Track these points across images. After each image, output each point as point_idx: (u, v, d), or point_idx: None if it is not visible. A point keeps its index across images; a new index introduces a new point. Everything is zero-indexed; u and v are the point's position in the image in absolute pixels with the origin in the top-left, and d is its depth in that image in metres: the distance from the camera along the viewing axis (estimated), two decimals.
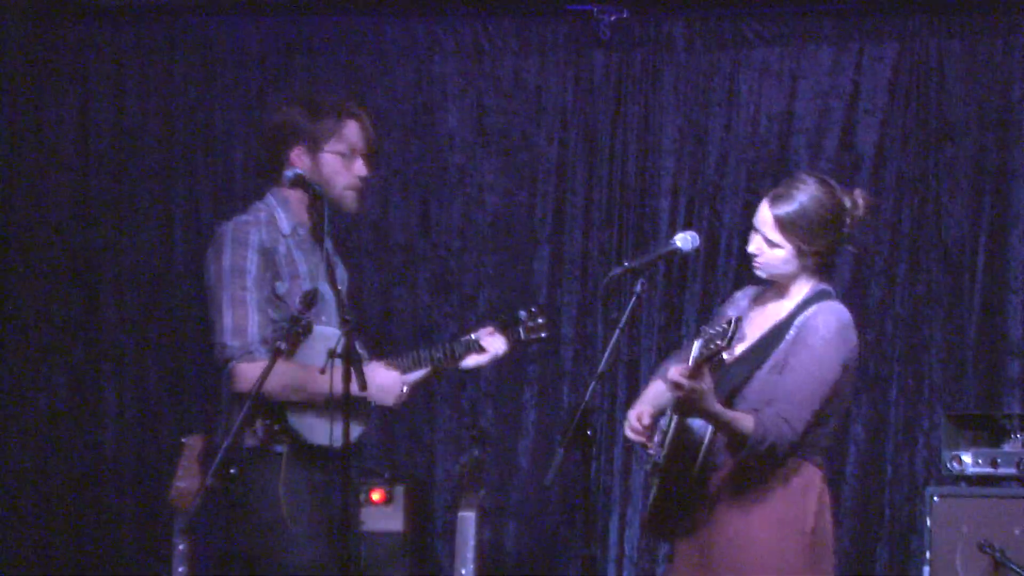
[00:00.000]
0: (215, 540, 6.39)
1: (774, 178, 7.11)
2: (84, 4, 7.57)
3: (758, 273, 4.95)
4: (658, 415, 4.94)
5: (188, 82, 7.61)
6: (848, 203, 4.92)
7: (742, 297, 5.12)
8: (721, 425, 4.71)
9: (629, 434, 4.95)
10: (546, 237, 7.47)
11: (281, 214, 5.17)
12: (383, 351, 5.36)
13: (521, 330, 5.50)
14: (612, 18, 7.36)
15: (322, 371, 4.75)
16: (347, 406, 4.73)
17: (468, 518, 6.52)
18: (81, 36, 7.63)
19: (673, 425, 4.77)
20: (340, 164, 5.20)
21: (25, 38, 7.60)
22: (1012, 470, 6.46)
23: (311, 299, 4.85)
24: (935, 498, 6.39)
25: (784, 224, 4.84)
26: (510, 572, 7.40)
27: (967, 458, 6.50)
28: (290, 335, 4.82)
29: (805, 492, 4.86)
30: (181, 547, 6.01)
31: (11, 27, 7.59)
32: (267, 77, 7.57)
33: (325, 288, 5.07)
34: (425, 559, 7.32)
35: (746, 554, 4.82)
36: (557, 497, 7.31)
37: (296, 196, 5.16)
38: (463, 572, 6.49)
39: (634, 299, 4.80)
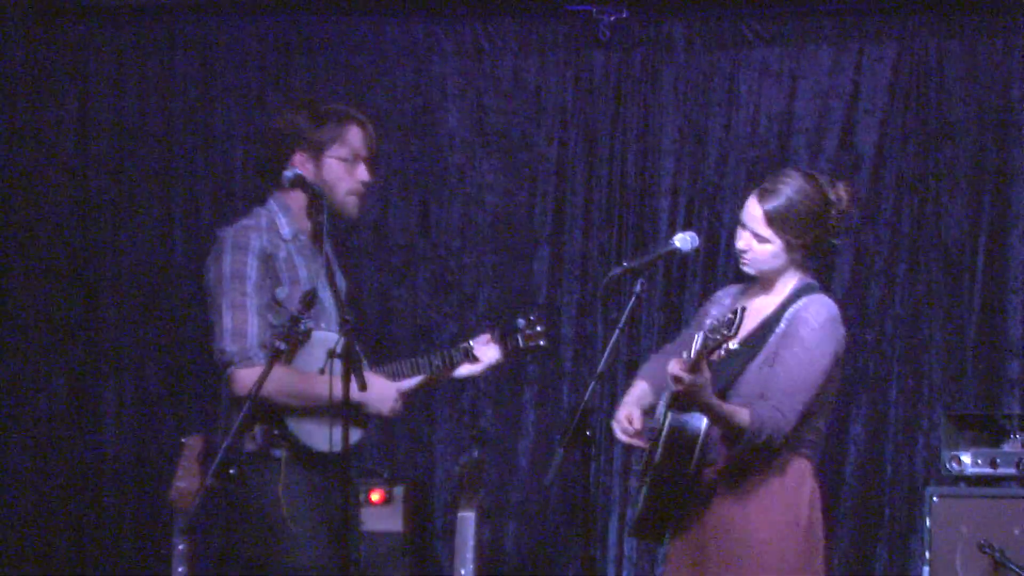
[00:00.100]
0: (215, 540, 6.39)
1: None
2: (84, 4, 7.57)
3: (746, 270, 4.98)
4: (647, 416, 4.95)
5: (188, 82, 7.61)
6: (833, 196, 4.94)
7: (725, 296, 5.14)
8: (719, 418, 4.72)
9: (620, 436, 4.96)
10: (546, 237, 7.47)
11: (282, 219, 5.17)
12: (383, 352, 5.37)
13: (520, 338, 5.49)
14: (612, 18, 7.36)
15: (321, 371, 4.75)
16: (347, 407, 4.73)
17: (468, 518, 6.52)
18: (81, 36, 7.63)
19: (667, 423, 4.77)
20: (343, 169, 5.20)
21: (25, 38, 7.61)
22: (1012, 470, 6.46)
23: (311, 299, 4.85)
24: (935, 498, 6.39)
25: (773, 218, 4.86)
26: (510, 572, 7.39)
27: (967, 458, 6.50)
28: (289, 335, 4.82)
29: (798, 486, 4.89)
30: (181, 547, 5.99)
31: (11, 27, 7.59)
32: (267, 77, 7.57)
33: (325, 293, 5.07)
34: (425, 559, 7.32)
35: (744, 549, 4.83)
36: (557, 497, 7.31)
37: (297, 201, 5.16)
38: (463, 572, 6.49)
39: (634, 299, 4.81)
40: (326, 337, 4.98)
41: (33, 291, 7.60)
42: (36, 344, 7.59)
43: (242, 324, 5.02)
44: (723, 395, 4.80)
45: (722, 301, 5.11)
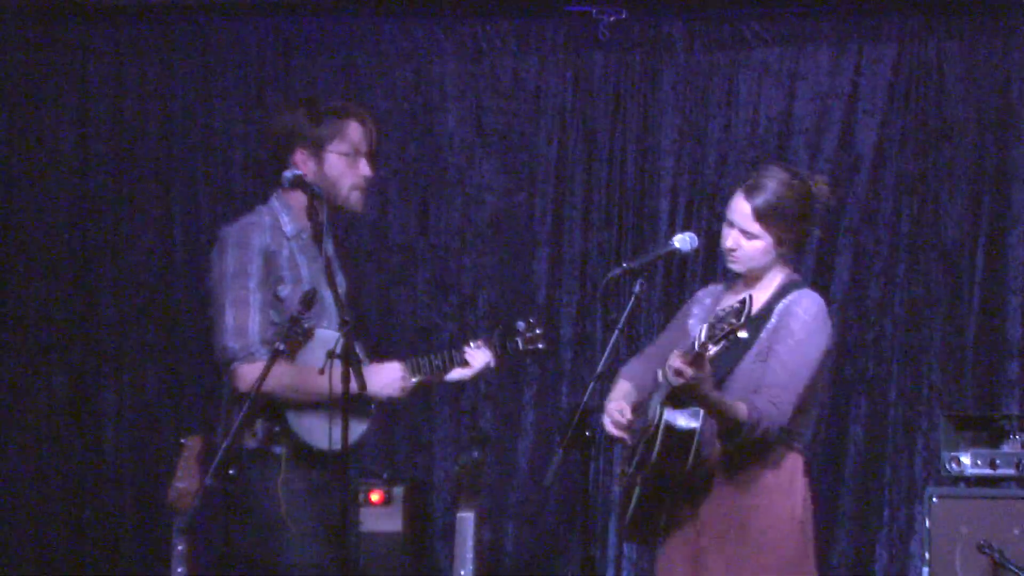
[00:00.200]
0: (215, 540, 6.39)
1: None
2: (84, 4, 7.56)
3: (734, 268, 5.00)
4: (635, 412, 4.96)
5: (187, 82, 7.61)
6: (815, 189, 4.96)
7: (706, 296, 5.16)
8: (718, 412, 4.73)
9: (611, 428, 4.96)
10: (545, 238, 7.47)
11: (285, 217, 5.18)
12: (382, 352, 5.37)
13: (519, 340, 5.50)
14: (611, 19, 7.35)
15: (321, 371, 4.75)
16: (346, 408, 4.73)
17: (467, 519, 6.52)
18: (80, 36, 7.63)
19: (663, 421, 4.78)
20: (344, 164, 5.21)
21: (25, 38, 7.61)
22: (1011, 471, 6.46)
23: (310, 299, 4.85)
24: (934, 499, 6.39)
25: (762, 214, 4.88)
26: (509, 573, 7.40)
27: (966, 459, 6.50)
28: (289, 336, 4.82)
29: (792, 480, 4.92)
30: (180, 547, 5.99)
31: (11, 27, 7.59)
32: (267, 77, 7.57)
33: (326, 292, 5.07)
34: (424, 560, 7.32)
35: (741, 544, 4.86)
36: (556, 498, 7.32)
37: (299, 200, 5.16)
38: (462, 573, 6.49)
39: (633, 300, 4.81)
40: (329, 335, 4.98)
41: (33, 291, 7.60)
42: (36, 344, 7.59)
43: (244, 320, 5.02)
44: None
45: (703, 301, 5.13)
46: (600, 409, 5.04)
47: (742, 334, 4.59)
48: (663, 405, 4.77)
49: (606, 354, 4.77)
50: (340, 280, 5.26)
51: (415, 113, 7.55)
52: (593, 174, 7.46)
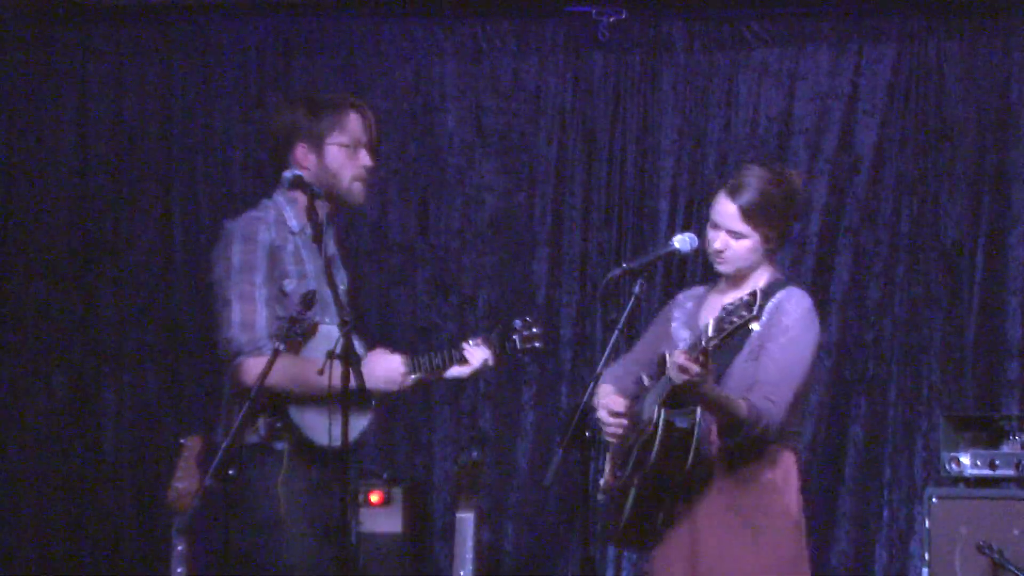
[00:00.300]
0: (214, 540, 6.39)
1: None
2: (83, 5, 7.57)
3: (723, 269, 5.01)
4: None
5: (187, 82, 7.61)
6: (794, 181, 5.00)
7: (687, 299, 5.18)
8: (720, 409, 4.75)
9: (605, 416, 4.96)
10: (545, 238, 7.47)
11: (289, 212, 5.18)
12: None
13: (517, 339, 5.50)
14: (611, 19, 7.36)
15: (320, 371, 4.75)
16: (346, 408, 4.73)
17: (467, 519, 6.52)
18: (80, 37, 7.63)
19: (661, 421, 4.78)
20: (344, 156, 5.21)
21: (25, 39, 7.61)
22: (1011, 471, 6.46)
23: (310, 300, 4.85)
24: (934, 499, 6.39)
25: (749, 213, 4.90)
26: (509, 573, 7.40)
27: (966, 459, 6.50)
28: (288, 336, 4.81)
29: (787, 477, 4.94)
30: (180, 548, 5.99)
31: (11, 27, 7.59)
32: (266, 77, 7.58)
33: (327, 292, 5.06)
34: (424, 560, 7.33)
35: (738, 541, 4.87)
36: (556, 498, 7.32)
37: (302, 197, 5.16)
38: (462, 573, 6.50)
39: (633, 300, 4.81)
40: (334, 333, 4.97)
41: (33, 291, 7.60)
42: (36, 344, 7.59)
43: (251, 314, 5.02)
44: None
45: (684, 305, 5.15)
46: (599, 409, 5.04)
47: (754, 326, 4.58)
48: (661, 405, 4.77)
49: (606, 355, 4.76)
50: (342, 278, 5.26)
51: (415, 113, 7.55)
52: (593, 174, 7.46)
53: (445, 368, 5.35)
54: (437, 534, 7.38)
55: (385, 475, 7.11)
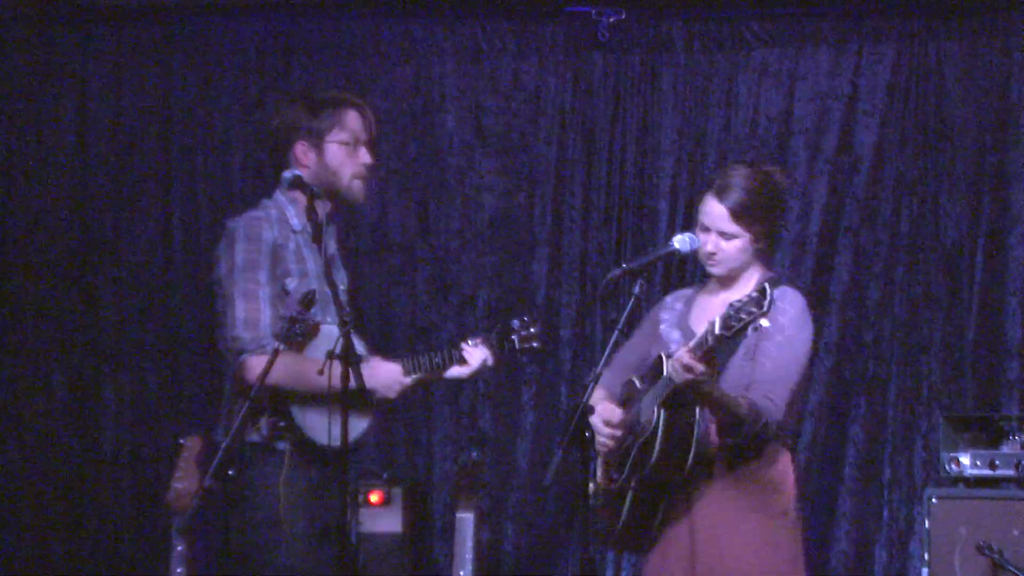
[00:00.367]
0: (214, 540, 6.39)
1: None
2: (83, 5, 7.56)
3: (715, 271, 5.02)
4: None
5: (187, 83, 7.61)
6: (778, 178, 5.01)
7: (675, 301, 5.18)
8: (721, 408, 4.76)
9: (604, 429, 4.96)
10: (545, 238, 7.47)
11: (291, 211, 5.18)
12: (382, 352, 5.36)
13: (516, 339, 5.50)
14: (611, 19, 7.36)
15: (320, 371, 4.75)
16: (346, 408, 4.73)
17: (466, 519, 6.52)
18: (80, 37, 7.63)
19: (662, 422, 4.78)
20: (344, 153, 5.21)
21: (25, 39, 7.61)
22: (1010, 471, 6.45)
23: (309, 299, 4.85)
24: (933, 500, 6.39)
25: (738, 213, 4.92)
26: (508, 573, 7.40)
27: (965, 460, 6.49)
28: (288, 336, 4.81)
29: (784, 475, 4.96)
30: (179, 548, 6.00)
31: (11, 28, 7.59)
32: (266, 78, 7.57)
33: (327, 291, 5.06)
34: (423, 560, 7.32)
35: (738, 540, 4.88)
36: (556, 498, 7.31)
37: (302, 196, 5.16)
38: (461, 573, 6.50)
39: (633, 300, 4.81)
40: (334, 332, 4.97)
41: (34, 291, 7.60)
42: (36, 344, 7.59)
43: (255, 313, 5.01)
44: None
45: (673, 307, 5.15)
46: None
47: (764, 322, 4.58)
48: (661, 406, 4.77)
49: (605, 355, 4.76)
50: (342, 278, 5.26)
51: (415, 113, 7.55)
52: (593, 174, 7.46)
53: (445, 368, 5.35)
54: (437, 534, 7.38)
55: (385, 475, 7.11)
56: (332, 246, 5.19)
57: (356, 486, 5.91)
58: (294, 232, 5.16)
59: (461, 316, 7.48)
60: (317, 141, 5.19)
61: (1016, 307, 7.08)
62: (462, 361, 5.37)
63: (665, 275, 7.30)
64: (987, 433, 6.61)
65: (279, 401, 5.02)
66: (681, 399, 4.77)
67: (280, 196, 5.21)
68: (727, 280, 5.02)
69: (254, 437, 5.04)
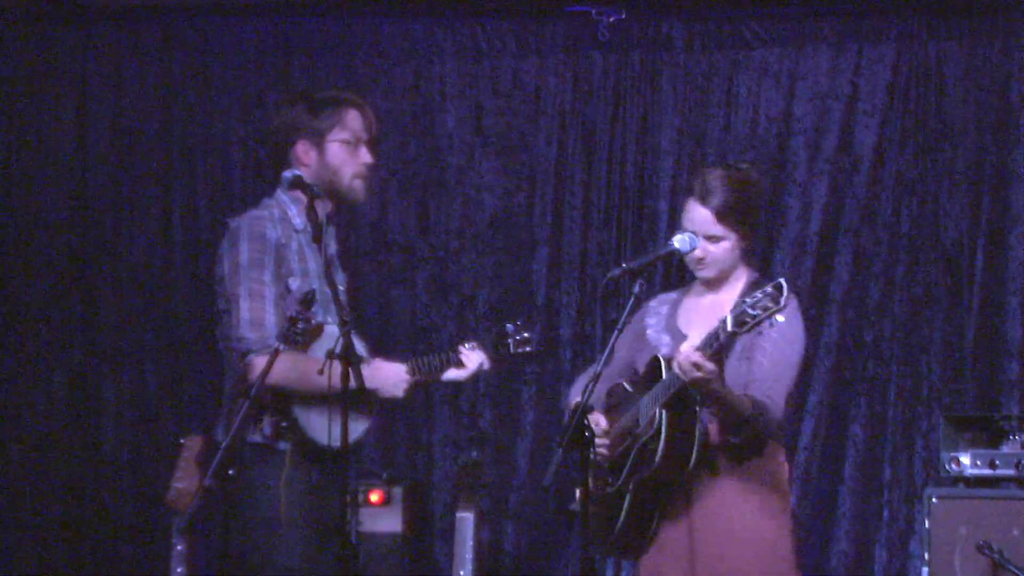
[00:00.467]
0: (214, 540, 6.39)
1: (773, 179, 7.13)
2: (83, 5, 7.57)
3: (704, 275, 5.04)
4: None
5: (186, 83, 7.61)
6: (755, 176, 5.04)
7: (660, 305, 5.19)
8: (726, 406, 4.77)
9: (603, 439, 4.96)
10: (545, 238, 7.47)
11: (293, 210, 5.18)
12: (382, 352, 5.37)
13: (510, 343, 5.52)
14: (611, 19, 7.36)
15: (320, 371, 4.75)
16: (346, 408, 4.73)
17: (466, 519, 6.53)
18: (79, 37, 7.63)
19: (664, 423, 4.78)
20: (345, 152, 5.21)
21: (24, 39, 7.61)
22: (1010, 471, 6.45)
23: (309, 299, 4.85)
24: (934, 499, 6.38)
25: (722, 215, 4.94)
26: (508, 573, 7.40)
27: (965, 459, 6.49)
28: (288, 336, 4.81)
29: (780, 471, 4.99)
30: (179, 547, 6.01)
31: (10, 28, 7.59)
32: (266, 78, 7.58)
33: (327, 291, 5.06)
34: (423, 560, 7.32)
35: (737, 537, 4.89)
36: (556, 498, 7.31)
37: (304, 195, 5.16)
38: (461, 573, 6.50)
39: (633, 300, 4.81)
40: (336, 332, 4.97)
41: (33, 291, 7.60)
42: (36, 344, 7.59)
43: (260, 312, 5.01)
44: None
45: (659, 310, 5.16)
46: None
47: (779, 318, 4.58)
48: (663, 407, 4.78)
49: (605, 354, 4.76)
50: (341, 278, 5.26)
51: (415, 113, 7.55)
52: (593, 174, 7.46)
53: (442, 370, 5.36)
54: (437, 534, 7.38)
55: (385, 475, 7.11)
56: (333, 246, 5.19)
57: (356, 486, 5.91)
58: (296, 231, 5.15)
59: (461, 316, 7.48)
60: (318, 140, 5.19)
61: (1016, 307, 7.08)
62: (459, 364, 5.38)
63: (665, 275, 7.29)
64: (987, 433, 6.60)
65: (282, 401, 5.02)
66: (683, 399, 4.77)
67: (282, 195, 5.21)
68: (714, 282, 5.04)
69: (255, 437, 5.04)
